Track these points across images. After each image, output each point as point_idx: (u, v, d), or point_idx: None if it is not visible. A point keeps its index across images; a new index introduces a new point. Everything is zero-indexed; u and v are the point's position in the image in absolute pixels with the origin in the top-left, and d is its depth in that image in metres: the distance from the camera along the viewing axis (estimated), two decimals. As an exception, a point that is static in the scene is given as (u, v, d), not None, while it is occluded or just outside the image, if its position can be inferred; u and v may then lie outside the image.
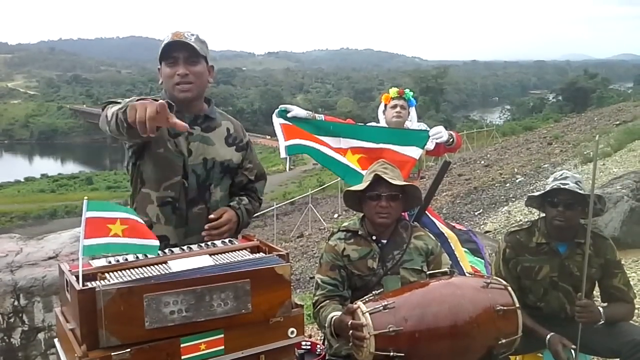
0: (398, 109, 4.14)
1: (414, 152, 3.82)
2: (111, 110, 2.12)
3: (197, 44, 2.39)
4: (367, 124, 4.24)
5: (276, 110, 3.89)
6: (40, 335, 3.40)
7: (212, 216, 2.42)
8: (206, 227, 2.39)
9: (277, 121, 3.87)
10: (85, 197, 1.75)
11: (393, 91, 4.19)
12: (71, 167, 63.35)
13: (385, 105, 4.23)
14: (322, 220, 18.05)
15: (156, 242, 1.90)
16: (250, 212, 2.62)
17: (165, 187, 2.42)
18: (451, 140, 3.89)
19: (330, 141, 3.88)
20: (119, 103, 2.16)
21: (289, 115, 3.83)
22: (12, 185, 51.10)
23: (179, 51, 2.37)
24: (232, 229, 2.47)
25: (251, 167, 2.66)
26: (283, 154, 3.79)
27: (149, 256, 1.96)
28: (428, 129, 4.19)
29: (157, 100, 1.92)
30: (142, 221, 1.92)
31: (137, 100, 1.99)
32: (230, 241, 2.19)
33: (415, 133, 3.95)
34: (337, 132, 3.89)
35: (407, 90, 4.22)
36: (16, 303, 3.36)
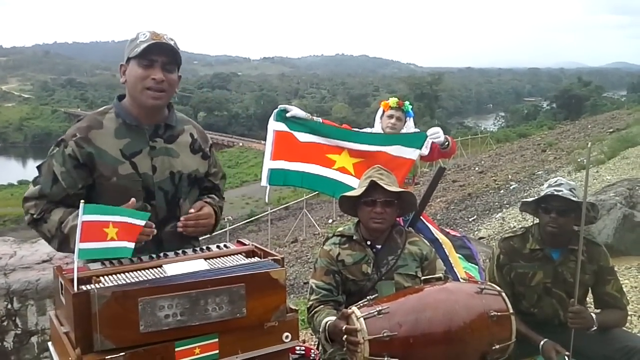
0: (394, 120, 4.15)
1: (412, 153, 3.82)
2: (44, 228, 2.15)
3: (177, 50, 2.23)
4: (362, 130, 4.25)
5: (275, 111, 3.90)
6: (34, 339, 3.39)
7: (192, 209, 2.27)
8: (182, 218, 2.23)
9: (272, 127, 3.88)
10: (82, 201, 1.75)
11: (393, 101, 4.19)
12: (65, 171, 63.08)
13: (384, 112, 4.24)
14: (316, 225, 18.05)
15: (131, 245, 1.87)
16: (221, 209, 2.52)
17: None
18: (447, 143, 3.92)
19: (325, 141, 3.89)
20: (31, 219, 2.17)
21: (288, 115, 3.85)
22: (6, 188, 50.85)
23: (159, 54, 2.17)
24: (210, 225, 2.36)
25: (216, 171, 2.54)
26: (264, 182, 3.84)
27: (144, 259, 1.96)
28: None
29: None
30: (132, 221, 1.88)
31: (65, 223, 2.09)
32: (225, 245, 2.19)
33: (412, 135, 3.97)
34: (334, 136, 3.90)
35: (406, 103, 4.22)
36: (9, 306, 3.35)
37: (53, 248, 2.20)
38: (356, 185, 2.90)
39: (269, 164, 3.83)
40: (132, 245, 1.86)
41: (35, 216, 2.16)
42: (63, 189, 2.16)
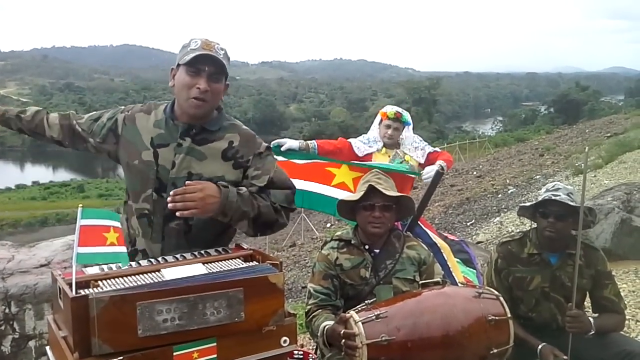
0: (391, 131, 4.14)
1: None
2: None
3: (225, 61, 2.27)
4: (360, 138, 4.26)
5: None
6: (31, 343, 3.39)
7: (188, 182, 2.13)
8: (171, 192, 2.08)
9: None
10: (80, 205, 1.75)
11: (391, 112, 4.16)
12: (63, 175, 63.03)
13: (382, 120, 4.23)
14: (314, 229, 18.03)
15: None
16: (248, 202, 2.20)
17: (142, 199, 2.31)
18: (442, 171, 3.92)
19: (323, 162, 3.93)
20: None
21: (282, 149, 3.87)
22: (3, 192, 50.72)
23: (207, 64, 2.23)
24: (205, 203, 2.08)
25: (259, 174, 2.32)
26: None
27: (142, 263, 1.96)
28: (423, 141, 4.24)
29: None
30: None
31: None
32: (224, 250, 2.19)
33: (407, 170, 3.98)
34: (331, 160, 3.95)
35: (403, 114, 4.20)
36: (7, 310, 3.35)
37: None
38: (358, 186, 2.91)
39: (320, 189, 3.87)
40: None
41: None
42: (89, 127, 2.47)
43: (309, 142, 4.02)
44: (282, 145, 3.88)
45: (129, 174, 2.37)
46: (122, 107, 2.49)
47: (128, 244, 2.31)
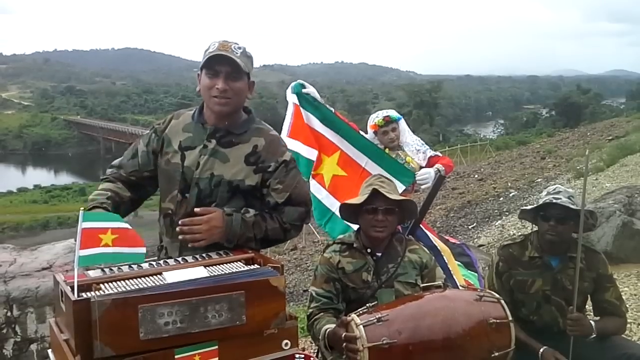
0: (391, 134, 4.11)
1: (398, 185, 3.64)
2: None
3: (242, 59, 2.29)
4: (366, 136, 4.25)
5: (292, 84, 3.93)
6: (33, 347, 3.39)
7: (197, 209, 2.25)
8: (180, 222, 2.25)
9: (291, 98, 3.90)
10: (82, 208, 1.76)
11: (379, 120, 4.10)
12: (64, 178, 63.10)
13: (375, 133, 4.16)
14: (315, 232, 18.01)
15: (142, 250, 1.91)
16: (256, 226, 2.30)
17: (168, 200, 2.41)
18: (438, 174, 3.88)
19: (326, 133, 3.90)
20: None
21: (304, 91, 3.87)
22: (5, 195, 50.83)
23: (222, 65, 2.28)
24: (212, 234, 2.23)
25: (279, 188, 2.37)
26: None
27: (144, 266, 1.96)
28: (425, 145, 4.22)
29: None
30: (129, 227, 1.92)
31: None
32: (225, 252, 2.19)
33: (404, 169, 3.94)
34: (339, 130, 3.91)
35: (390, 114, 4.15)
36: (9, 314, 3.35)
37: None
38: (361, 189, 2.90)
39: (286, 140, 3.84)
40: (143, 250, 1.91)
41: (101, 177, 2.55)
42: (137, 164, 2.48)
43: (327, 105, 4.05)
44: (305, 87, 3.91)
45: (160, 176, 2.47)
46: (153, 126, 2.55)
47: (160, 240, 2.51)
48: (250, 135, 2.40)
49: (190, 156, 2.38)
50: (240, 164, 2.35)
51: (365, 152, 3.91)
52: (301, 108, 3.90)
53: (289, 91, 3.95)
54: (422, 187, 3.93)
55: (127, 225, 1.89)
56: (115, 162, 2.56)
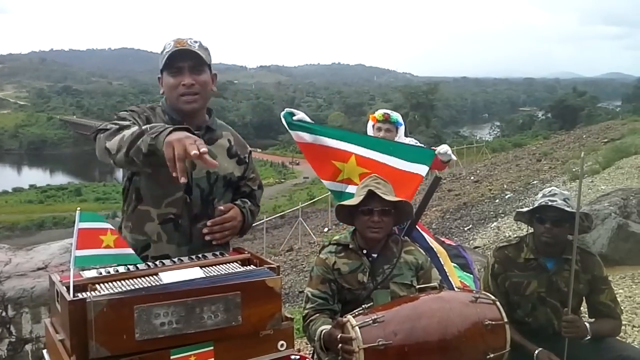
0: (382, 133, 4.11)
1: (421, 169, 3.71)
2: (117, 137, 1.95)
3: (202, 52, 2.28)
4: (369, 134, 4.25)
5: (282, 114, 3.92)
6: (28, 347, 3.39)
7: (221, 207, 2.31)
8: (209, 223, 2.28)
9: (294, 137, 3.91)
10: (78, 208, 1.76)
11: (379, 114, 4.14)
12: (60, 178, 62.94)
13: (373, 124, 4.22)
14: (312, 234, 18.03)
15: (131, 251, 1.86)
16: (254, 214, 2.52)
17: (167, 204, 2.30)
18: (449, 159, 3.89)
19: (333, 143, 3.88)
20: (111, 129, 2.01)
21: (294, 118, 3.87)
22: (0, 195, 50.68)
23: (184, 60, 2.25)
24: (237, 228, 2.38)
25: (254, 177, 2.59)
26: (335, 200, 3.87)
27: (139, 267, 1.96)
28: (418, 143, 4.21)
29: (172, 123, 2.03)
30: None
31: (163, 131, 1.82)
32: (221, 253, 2.19)
33: (421, 150, 3.89)
34: (342, 137, 3.90)
35: (392, 115, 4.17)
36: (4, 314, 3.35)
37: (118, 157, 1.95)
38: (357, 190, 2.91)
39: (325, 184, 3.91)
40: (132, 252, 1.87)
41: (123, 124, 2.05)
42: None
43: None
44: (294, 115, 3.90)
45: (153, 179, 2.27)
46: (134, 110, 2.31)
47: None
48: (221, 131, 2.48)
49: None
50: (225, 159, 2.43)
51: (376, 148, 3.87)
52: (298, 132, 3.90)
53: (285, 125, 3.95)
54: (446, 161, 3.84)
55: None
56: (110, 125, 2.08)
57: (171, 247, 2.31)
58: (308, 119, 3.91)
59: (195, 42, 2.29)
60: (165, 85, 2.31)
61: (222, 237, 2.32)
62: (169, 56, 2.24)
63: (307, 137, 3.86)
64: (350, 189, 3.78)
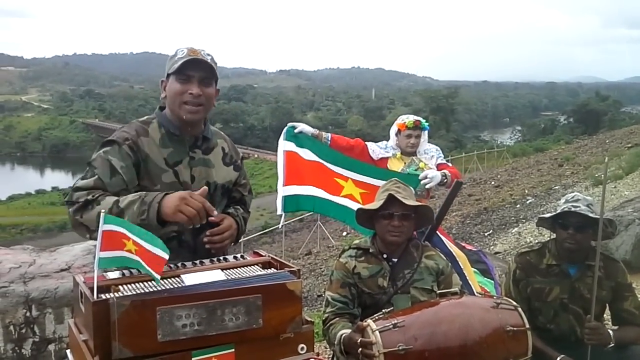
0: (413, 139, 4.12)
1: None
2: (92, 213, 2.04)
3: (213, 65, 2.31)
4: (377, 143, 4.26)
5: (284, 131, 3.96)
6: (51, 347, 3.43)
7: (212, 218, 2.21)
8: (207, 232, 2.28)
9: (281, 147, 3.93)
10: (103, 210, 1.77)
11: (410, 122, 4.13)
12: (82, 181, 63.60)
13: (400, 131, 4.18)
14: (330, 238, 18.02)
15: (158, 276, 1.77)
16: (246, 221, 2.55)
17: (169, 223, 2.18)
18: (445, 180, 3.87)
19: (330, 166, 3.93)
20: (77, 202, 2.08)
21: (296, 131, 3.90)
22: (23, 197, 51.46)
23: (195, 70, 2.26)
24: (233, 236, 2.39)
25: (245, 183, 2.62)
26: (279, 210, 3.89)
27: (162, 269, 1.97)
28: (439, 151, 4.23)
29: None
30: (154, 250, 1.76)
31: (149, 207, 2.06)
32: (242, 256, 2.20)
33: (407, 176, 3.90)
34: (338, 163, 3.95)
35: (422, 121, 4.20)
36: (28, 314, 3.39)
37: (92, 238, 2.06)
38: (377, 194, 2.91)
39: (282, 190, 3.89)
40: (158, 276, 1.77)
41: (88, 198, 2.09)
42: (123, 182, 2.20)
43: (323, 132, 4.07)
44: (296, 128, 3.94)
45: None
46: (108, 142, 2.27)
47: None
48: (216, 138, 2.51)
49: (182, 171, 2.32)
50: (222, 167, 2.47)
51: (369, 174, 3.94)
52: (298, 148, 3.93)
53: (281, 139, 3.98)
54: (426, 186, 3.89)
55: (146, 244, 1.77)
56: (86, 184, 2.16)
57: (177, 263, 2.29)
58: (310, 129, 3.98)
59: (208, 55, 2.31)
60: (170, 90, 2.31)
61: (221, 247, 2.34)
62: (182, 63, 2.24)
63: (304, 153, 3.95)
64: (349, 203, 3.85)
